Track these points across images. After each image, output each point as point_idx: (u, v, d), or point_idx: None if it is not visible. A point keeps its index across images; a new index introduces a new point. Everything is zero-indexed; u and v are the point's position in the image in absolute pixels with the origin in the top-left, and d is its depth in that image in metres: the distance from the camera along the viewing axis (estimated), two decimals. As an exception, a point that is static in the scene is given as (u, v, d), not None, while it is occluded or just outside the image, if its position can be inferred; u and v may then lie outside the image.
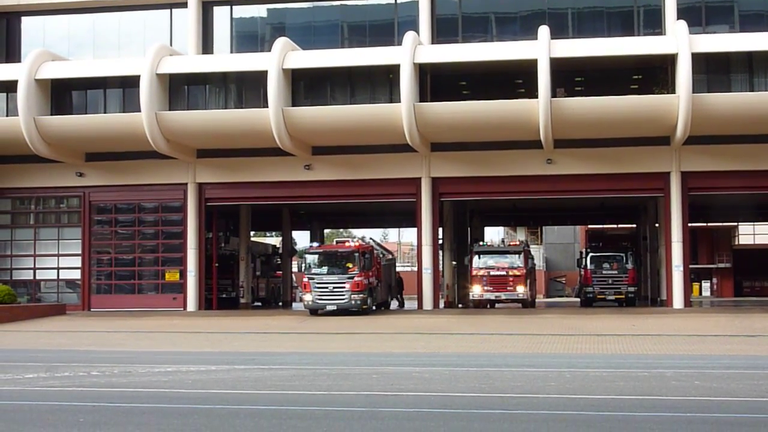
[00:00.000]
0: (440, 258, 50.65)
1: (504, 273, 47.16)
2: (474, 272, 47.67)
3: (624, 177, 44.36)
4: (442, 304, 48.79)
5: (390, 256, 54.29)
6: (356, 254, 43.19)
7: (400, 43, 42.21)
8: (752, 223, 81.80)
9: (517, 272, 47.17)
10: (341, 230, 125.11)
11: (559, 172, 44.19)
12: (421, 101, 41.69)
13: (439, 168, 45.03)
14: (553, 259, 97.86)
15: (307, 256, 44.21)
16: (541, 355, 26.49)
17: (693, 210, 46.95)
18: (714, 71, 41.76)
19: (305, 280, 43.11)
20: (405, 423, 12.98)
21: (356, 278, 42.36)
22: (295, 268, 59.08)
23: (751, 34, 42.44)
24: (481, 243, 51.73)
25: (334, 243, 46.08)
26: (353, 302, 42.29)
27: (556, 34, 41.95)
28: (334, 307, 42.55)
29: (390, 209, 58.49)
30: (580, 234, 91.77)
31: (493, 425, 12.65)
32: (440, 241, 51.16)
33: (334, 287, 42.47)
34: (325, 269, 43.00)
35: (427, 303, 44.90)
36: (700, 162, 43.51)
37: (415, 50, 41.37)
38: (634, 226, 66.97)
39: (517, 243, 51.19)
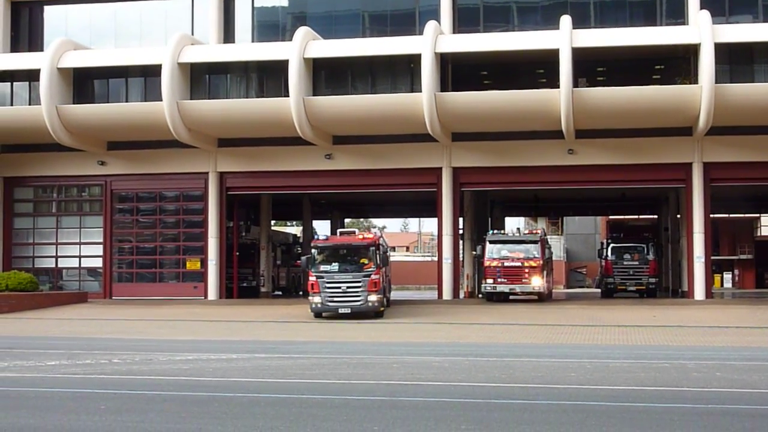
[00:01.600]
0: (460, 248, 50.57)
1: (519, 264, 43.25)
2: (486, 263, 43.76)
3: (645, 168, 44.16)
4: (462, 294, 48.71)
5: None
6: (372, 248, 37.44)
7: (421, 33, 42.11)
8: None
9: (533, 263, 43.31)
10: (362, 220, 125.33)
11: (581, 162, 44.03)
12: (442, 91, 41.61)
13: (459, 158, 44.94)
14: (574, 250, 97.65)
15: (313, 250, 37.84)
16: (561, 346, 26.45)
17: (715, 201, 46.71)
18: (737, 61, 41.51)
19: (313, 278, 36.90)
20: (424, 412, 12.99)
21: (373, 276, 36.63)
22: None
23: (775, 24, 42.19)
24: (494, 231, 47.59)
25: (338, 235, 39.94)
26: (370, 304, 36.71)
27: (578, 23, 41.77)
28: (348, 310, 36.63)
29: (410, 199, 58.46)
30: (600, 225, 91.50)
31: (513, 415, 12.64)
32: (461, 231, 51.07)
33: (348, 287, 36.62)
34: (335, 266, 37.00)
35: (447, 293, 44.89)
36: (722, 153, 43.28)
37: (436, 40, 41.28)
38: (656, 216, 66.70)
39: (533, 232, 46.99)
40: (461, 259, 50.62)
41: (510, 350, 24.22)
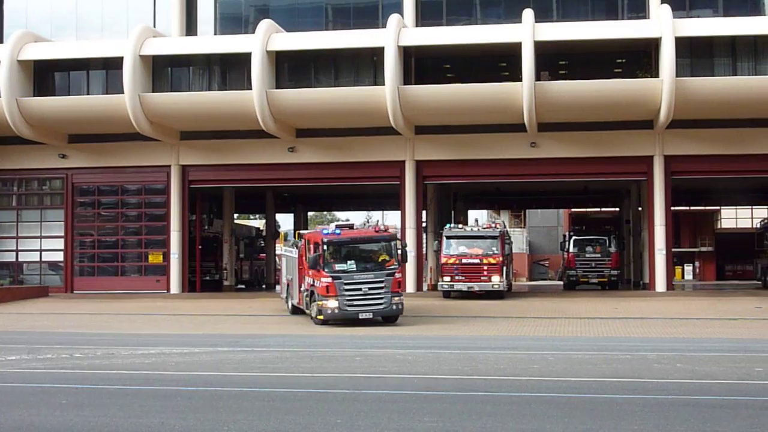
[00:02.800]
0: (424, 241, 50.63)
1: (478, 261, 40.98)
2: (443, 260, 41.43)
3: (607, 161, 44.40)
4: (425, 287, 48.79)
5: None
6: (393, 242, 32.66)
7: (384, 26, 42.09)
8: (734, 207, 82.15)
9: (492, 260, 40.99)
10: (325, 213, 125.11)
11: (543, 155, 44.21)
12: (405, 84, 41.62)
13: (422, 151, 44.99)
14: (537, 243, 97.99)
15: (324, 246, 31.59)
16: (524, 338, 26.57)
17: (676, 194, 47.04)
18: (697, 55, 41.81)
19: (327, 280, 31.11)
20: (388, 405, 13.01)
21: (397, 274, 32.12)
22: (279, 253, 41.04)
23: (735, 19, 42.58)
24: (451, 225, 44.04)
25: (353, 228, 33.85)
26: (394, 307, 31.58)
27: (540, 17, 41.93)
28: (369, 315, 31.36)
29: (374, 192, 58.46)
30: (563, 217, 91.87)
31: (476, 407, 12.69)
32: (424, 224, 51.13)
33: (369, 288, 31.44)
34: (352, 264, 31.77)
35: (410, 286, 44.91)
36: (683, 146, 43.59)
37: (399, 33, 41.29)
38: (618, 209, 67.07)
39: (492, 226, 43.86)
40: (424, 252, 50.69)
41: (473, 343, 24.29)
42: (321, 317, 31.29)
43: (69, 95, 44.82)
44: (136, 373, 17.08)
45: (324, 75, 43.83)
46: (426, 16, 45.75)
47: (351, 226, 33.79)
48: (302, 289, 33.72)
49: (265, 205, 63.55)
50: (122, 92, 42.37)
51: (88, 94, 44.83)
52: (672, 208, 45.92)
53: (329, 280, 31.15)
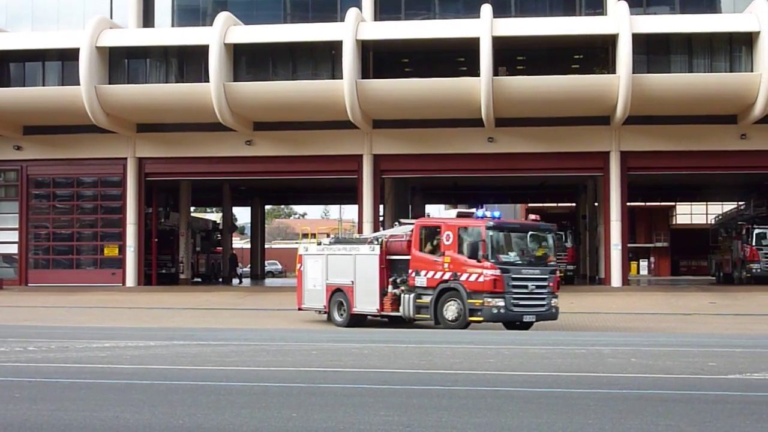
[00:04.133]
0: (381, 235, 50.60)
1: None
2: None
3: (564, 156, 44.65)
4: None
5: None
6: (554, 236, 29.21)
7: (342, 20, 42.08)
8: (689, 203, 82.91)
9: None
10: (282, 206, 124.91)
11: (501, 150, 44.37)
12: (363, 78, 41.64)
13: (380, 145, 45.01)
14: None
15: (490, 232, 26.91)
16: (480, 332, 26.65)
17: (632, 189, 47.42)
18: (654, 52, 42.14)
19: (494, 273, 26.61)
20: (344, 399, 13.01)
21: (557, 273, 29.24)
22: (303, 254, 32.57)
23: (691, 16, 43.01)
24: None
25: (455, 215, 30.84)
26: (554, 310, 28.02)
27: (498, 12, 42.05)
28: (533, 318, 27.54)
29: (331, 186, 58.46)
30: (520, 212, 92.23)
31: (432, 401, 12.71)
32: (381, 218, 51.17)
33: (536, 286, 27.44)
34: (514, 257, 27.52)
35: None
36: (639, 142, 43.93)
37: (357, 27, 41.28)
38: (574, 204, 67.48)
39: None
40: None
41: (429, 337, 24.35)
42: (478, 318, 26.92)
43: (24, 86, 44.41)
44: (91, 367, 16.96)
45: (282, 68, 43.75)
46: (384, 10, 45.77)
47: (470, 214, 29.46)
48: (395, 289, 28.76)
49: (222, 198, 63.35)
50: (78, 84, 42.07)
51: (43, 85, 44.46)
52: (628, 203, 46.30)
53: (497, 272, 26.63)
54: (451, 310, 27.16)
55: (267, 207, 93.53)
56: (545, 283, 27.46)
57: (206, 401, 12.76)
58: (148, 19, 47.58)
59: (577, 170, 47.14)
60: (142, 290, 45.25)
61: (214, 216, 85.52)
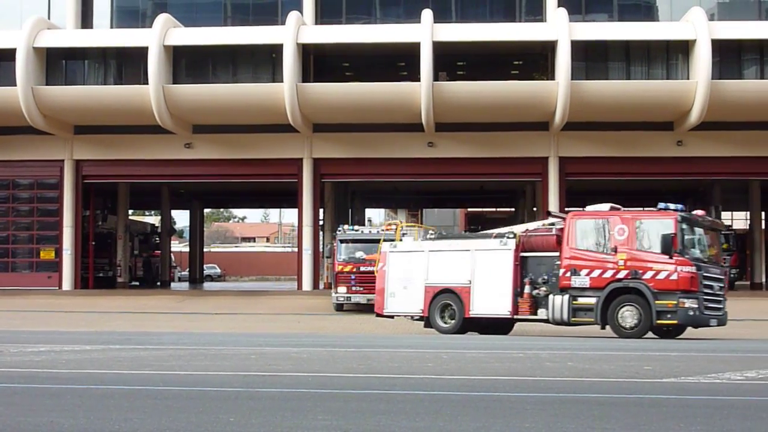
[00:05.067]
0: (321, 239, 50.63)
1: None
2: (338, 267, 35.97)
3: (504, 161, 44.93)
4: (322, 285, 48.79)
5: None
6: (726, 235, 26.95)
7: (283, 23, 42.01)
8: (627, 208, 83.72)
9: None
10: (222, 210, 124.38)
11: (440, 155, 44.55)
12: (303, 82, 41.60)
13: (321, 149, 44.97)
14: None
15: (683, 225, 24.79)
16: (419, 336, 26.71)
17: (570, 195, 47.78)
18: (593, 59, 42.59)
19: (689, 270, 24.35)
20: (281, 403, 12.96)
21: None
22: (387, 251, 28.94)
23: (629, 24, 43.58)
24: (345, 228, 38.67)
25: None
26: (726, 314, 26.24)
27: (439, 18, 42.23)
28: (715, 323, 25.48)
29: (271, 189, 58.33)
30: (460, 217, 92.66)
31: (370, 405, 12.71)
32: (321, 222, 51.14)
33: (720, 287, 25.82)
34: (700, 255, 25.49)
35: (307, 284, 44.87)
36: (577, 148, 44.33)
37: (298, 30, 41.23)
38: (513, 210, 67.90)
39: (391, 226, 37.78)
40: (321, 250, 50.67)
41: (368, 341, 24.35)
42: (671, 321, 24.68)
43: (-41, 87, 43.80)
44: (26, 371, 16.73)
45: (222, 71, 43.60)
46: (326, 14, 45.74)
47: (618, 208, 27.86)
48: (534, 290, 26.49)
49: (161, 201, 62.89)
50: (14, 84, 41.54)
51: (-21, 85, 43.85)
52: (566, 208, 46.62)
53: (693, 269, 24.33)
54: (628, 317, 24.82)
55: (206, 210, 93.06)
56: (722, 285, 25.74)
57: (142, 406, 12.65)
58: (86, 19, 47.11)
59: (516, 175, 47.48)
60: (79, 294, 44.75)
61: (153, 219, 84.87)
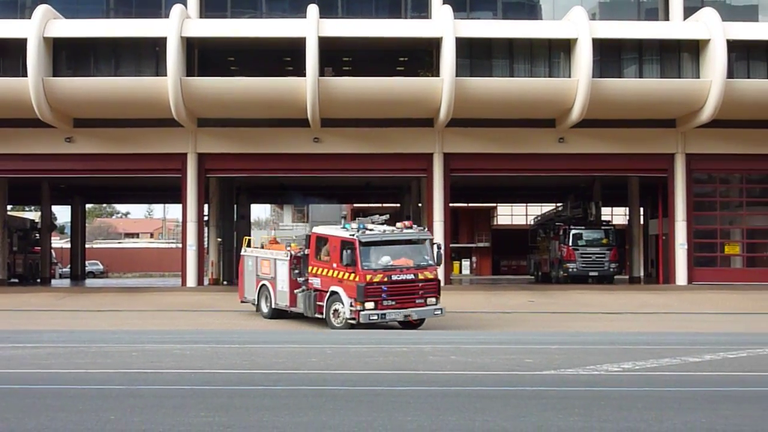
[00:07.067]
0: (206, 235, 50.19)
1: (412, 277, 27.82)
2: (368, 277, 27.26)
3: (389, 157, 45.10)
4: (206, 282, 48.34)
5: None
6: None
7: (167, 16, 41.47)
8: (510, 205, 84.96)
9: (429, 275, 28.15)
10: (104, 205, 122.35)
11: (326, 151, 44.52)
12: (188, 76, 41.12)
13: (205, 144, 44.55)
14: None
15: None
16: (303, 332, 26.71)
17: (455, 191, 48.25)
18: (477, 56, 42.98)
19: None
20: (164, 401, 12.84)
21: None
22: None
23: (513, 22, 44.14)
24: (363, 226, 28.67)
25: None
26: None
27: (325, 13, 42.18)
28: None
29: (155, 185, 57.59)
30: (347, 212, 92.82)
31: (254, 401, 12.68)
32: (206, 218, 50.67)
33: None
34: None
35: (191, 280, 44.43)
36: (462, 144, 44.73)
37: (182, 24, 40.74)
38: (399, 205, 68.24)
39: (412, 226, 29.80)
40: (206, 245, 50.24)
41: (253, 337, 24.24)
42: None
43: None
44: None
45: (105, 64, 42.82)
46: (210, 7, 45.27)
47: None
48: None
49: (41, 196, 61.62)
50: None
51: None
52: (451, 204, 47.11)
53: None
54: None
55: (88, 206, 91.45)
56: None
57: (20, 405, 12.42)
58: (-38, 10, 45.86)
59: (402, 171, 47.70)
60: (-45, 291, 43.61)
61: (33, 215, 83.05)
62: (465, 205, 78.69)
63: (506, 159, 45.15)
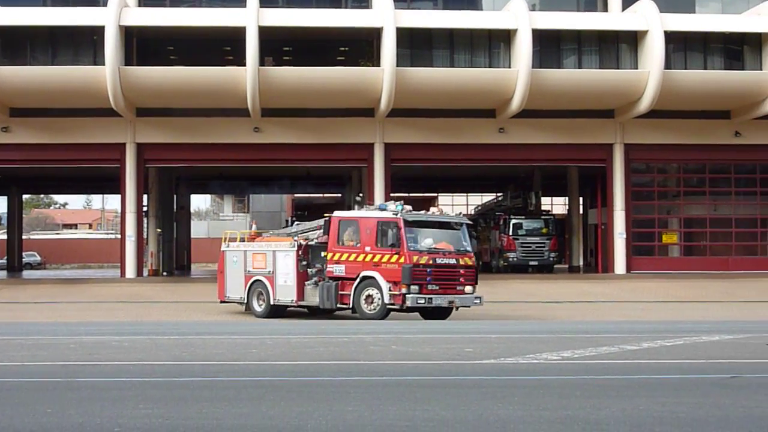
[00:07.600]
0: (145, 226, 49.82)
1: (454, 262, 27.30)
2: (414, 258, 26.36)
3: (330, 147, 45.10)
4: (146, 273, 48.00)
5: None
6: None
7: (105, 4, 41.06)
8: (451, 194, 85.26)
9: (469, 261, 27.63)
10: (42, 196, 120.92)
11: (267, 140, 44.39)
12: (126, 65, 40.75)
13: (144, 134, 44.21)
14: (261, 228, 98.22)
15: None
16: (245, 323, 26.62)
17: (396, 181, 48.36)
18: (418, 46, 43.07)
19: None
20: (102, 393, 12.71)
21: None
22: None
23: (453, 12, 44.35)
24: (402, 206, 27.56)
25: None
26: None
27: (265, 2, 42.02)
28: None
29: (94, 175, 57.02)
30: (287, 203, 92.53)
31: (193, 393, 12.60)
32: (145, 209, 50.28)
33: None
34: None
35: (131, 271, 44.11)
36: (403, 134, 44.83)
37: (120, 12, 40.36)
38: (340, 195, 68.19)
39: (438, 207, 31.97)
40: (145, 236, 49.86)
41: (193, 328, 24.10)
42: None
43: None
44: None
45: (41, 53, 42.32)
46: (149, -4, 44.92)
47: None
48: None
49: (-24, 187, 60.85)
50: None
51: None
52: (392, 194, 47.13)
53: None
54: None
55: (25, 196, 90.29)
56: None
57: (-46, 399, 12.21)
58: None
59: (343, 161, 47.71)
60: None
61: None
62: (406, 195, 78.82)
63: (447, 149, 45.33)
